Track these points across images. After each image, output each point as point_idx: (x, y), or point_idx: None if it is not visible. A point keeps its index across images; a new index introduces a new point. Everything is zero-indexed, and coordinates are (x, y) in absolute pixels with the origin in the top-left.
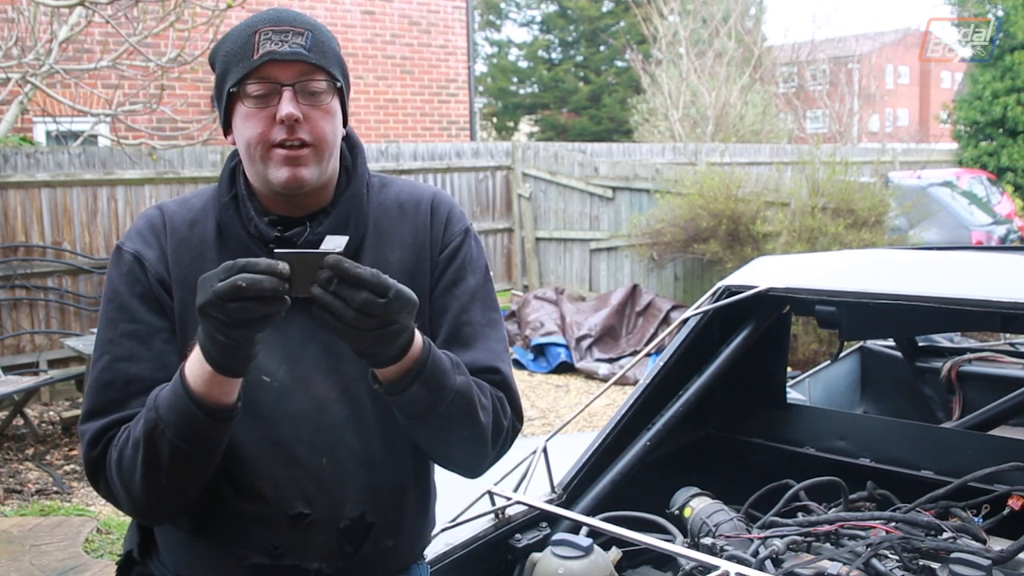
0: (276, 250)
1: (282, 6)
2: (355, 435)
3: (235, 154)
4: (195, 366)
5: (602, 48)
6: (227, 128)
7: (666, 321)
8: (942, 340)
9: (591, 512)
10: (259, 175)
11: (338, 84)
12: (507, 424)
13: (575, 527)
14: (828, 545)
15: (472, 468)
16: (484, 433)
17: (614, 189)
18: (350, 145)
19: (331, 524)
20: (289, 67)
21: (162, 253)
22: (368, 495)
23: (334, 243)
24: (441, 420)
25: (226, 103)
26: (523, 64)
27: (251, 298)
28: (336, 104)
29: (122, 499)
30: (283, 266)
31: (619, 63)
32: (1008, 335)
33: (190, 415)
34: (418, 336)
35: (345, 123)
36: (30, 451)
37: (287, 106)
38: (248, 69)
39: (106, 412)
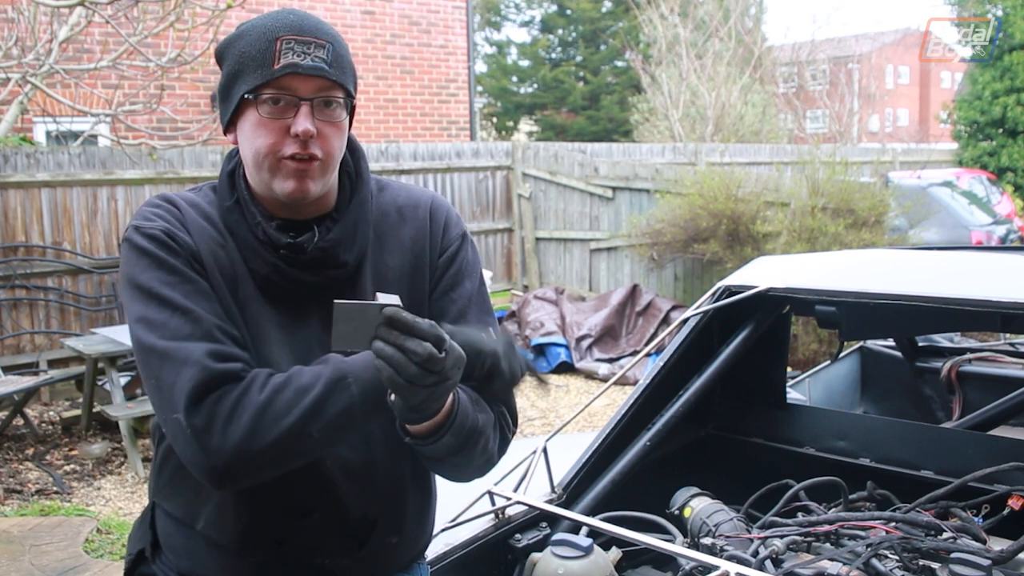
0: (336, 301)
1: (283, 6)
2: (358, 435)
3: (232, 155)
4: None
5: (601, 48)
6: (228, 126)
7: (666, 321)
8: (942, 340)
9: (591, 512)
10: (264, 183)
11: (352, 99)
12: (509, 435)
13: (575, 527)
14: (828, 545)
15: (473, 480)
16: (494, 458)
17: (614, 189)
18: (351, 149)
19: (335, 521)
20: (309, 81)
21: (190, 237)
22: (371, 493)
23: (387, 300)
24: (462, 458)
25: (236, 105)
26: (523, 64)
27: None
28: (346, 118)
29: (228, 438)
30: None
31: (618, 63)
32: (1008, 335)
33: None
34: None
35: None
36: (30, 451)
37: (304, 122)
38: (267, 78)
39: (226, 360)
